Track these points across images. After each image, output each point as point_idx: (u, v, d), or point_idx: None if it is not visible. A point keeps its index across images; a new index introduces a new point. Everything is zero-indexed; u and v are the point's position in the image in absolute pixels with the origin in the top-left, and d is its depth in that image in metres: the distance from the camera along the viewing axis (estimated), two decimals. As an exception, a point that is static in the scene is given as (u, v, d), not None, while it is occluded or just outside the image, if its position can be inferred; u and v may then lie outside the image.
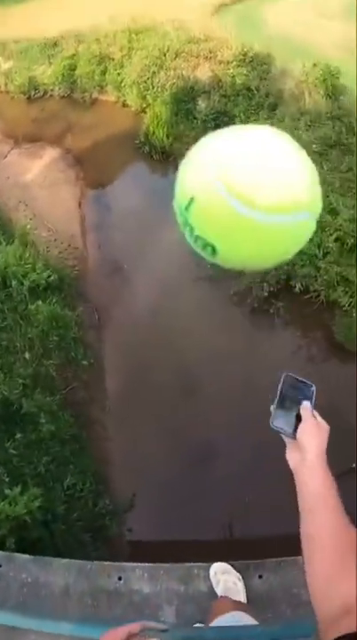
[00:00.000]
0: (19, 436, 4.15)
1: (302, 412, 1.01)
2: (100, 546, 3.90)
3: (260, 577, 2.41)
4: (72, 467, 4.31)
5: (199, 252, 0.67)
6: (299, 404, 1.03)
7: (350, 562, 0.78)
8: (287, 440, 1.02)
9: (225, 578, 2.39)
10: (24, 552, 3.18)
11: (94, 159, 7.32)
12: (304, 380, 1.09)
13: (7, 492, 3.49)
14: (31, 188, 7.32)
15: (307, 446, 0.94)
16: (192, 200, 0.64)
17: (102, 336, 5.53)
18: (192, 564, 2.45)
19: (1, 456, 3.94)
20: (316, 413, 1.02)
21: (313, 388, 1.07)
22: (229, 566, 2.47)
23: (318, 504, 0.87)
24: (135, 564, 2.43)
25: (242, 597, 2.34)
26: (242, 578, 2.42)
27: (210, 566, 2.44)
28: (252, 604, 2.28)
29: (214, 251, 0.65)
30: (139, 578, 2.39)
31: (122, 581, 2.37)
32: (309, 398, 1.06)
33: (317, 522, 0.86)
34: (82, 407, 5.09)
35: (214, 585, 2.40)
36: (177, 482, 4.50)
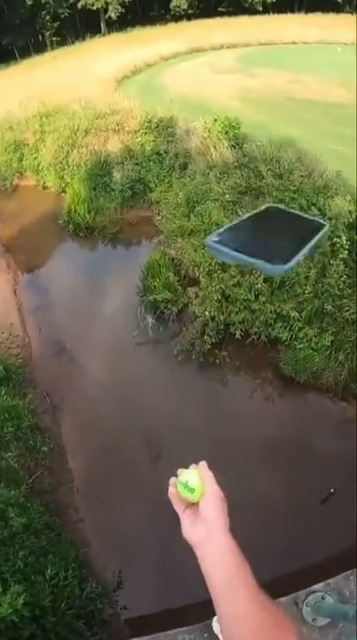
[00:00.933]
0: None
1: (202, 472, 0.94)
2: (97, 631, 3.71)
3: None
4: (51, 556, 4.09)
5: None
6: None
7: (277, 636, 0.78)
8: (181, 512, 0.95)
9: None
10: None
11: (23, 244, 7.44)
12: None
13: (-12, 594, 3.32)
14: None
15: (210, 519, 0.88)
16: None
17: (57, 419, 5.46)
18: (176, 630, 2.45)
19: (-25, 559, 3.75)
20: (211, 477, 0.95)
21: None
22: None
23: (235, 586, 0.82)
24: None
25: None
26: None
27: (195, 628, 2.39)
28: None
29: None
30: None
31: None
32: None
33: (238, 603, 0.81)
34: (50, 494, 4.94)
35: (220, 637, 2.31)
36: (158, 548, 4.40)
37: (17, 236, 7.55)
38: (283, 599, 2.44)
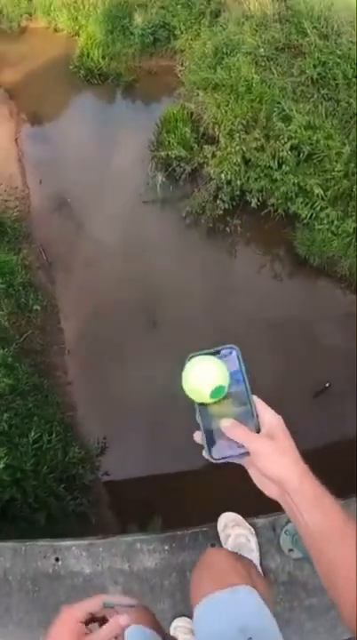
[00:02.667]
0: None
1: (258, 406, 0.76)
2: (78, 495, 3.74)
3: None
4: (36, 418, 4.04)
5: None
6: (233, 395, 0.75)
7: None
8: (244, 463, 0.77)
9: (236, 532, 2.02)
10: None
11: (28, 91, 6.74)
12: (217, 350, 0.77)
13: (-31, 456, 3.27)
14: None
15: (279, 476, 0.73)
16: None
17: (53, 277, 5.21)
18: (133, 537, 2.19)
19: None
20: (263, 404, 0.77)
21: (235, 353, 0.77)
22: (239, 517, 2.10)
23: (329, 540, 0.71)
24: (70, 542, 2.17)
25: (256, 558, 1.96)
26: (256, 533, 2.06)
27: (154, 538, 2.15)
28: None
29: None
30: (78, 557, 2.15)
31: (59, 563, 2.14)
32: (239, 376, 0.76)
33: (335, 558, 0.70)
34: (40, 355, 4.84)
35: (222, 541, 2.04)
36: (147, 417, 4.35)
37: (22, 82, 6.83)
38: (260, 520, 2.10)
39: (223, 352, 0.76)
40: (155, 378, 4.48)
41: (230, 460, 0.75)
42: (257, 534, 2.07)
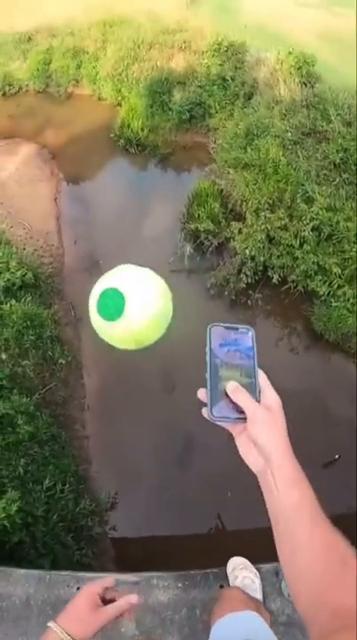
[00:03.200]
0: None
1: (261, 381, 0.81)
2: (84, 546, 3.84)
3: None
4: (51, 467, 4.22)
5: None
6: (242, 367, 0.81)
7: (342, 574, 0.70)
8: (235, 430, 0.81)
9: (243, 574, 2.25)
10: (4, 557, 3.14)
11: (70, 154, 7.22)
12: (236, 327, 0.85)
13: (-15, 497, 3.42)
14: (6, 185, 7.20)
15: (268, 446, 0.76)
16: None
17: (79, 333, 5.46)
18: (151, 573, 2.36)
19: (-22, 460, 3.86)
20: (267, 382, 0.82)
21: (251, 333, 0.84)
22: (247, 561, 2.34)
23: (300, 519, 0.74)
24: (92, 574, 2.37)
25: (259, 596, 2.20)
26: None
27: (169, 576, 2.33)
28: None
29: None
30: None
31: None
32: (250, 353, 0.83)
33: (301, 537, 0.73)
34: (60, 406, 5.03)
35: (231, 581, 2.28)
36: (159, 478, 4.47)
37: (65, 145, 7.32)
38: (265, 566, 2.32)
39: (241, 329, 0.84)
40: (169, 441, 4.64)
41: (227, 422, 0.79)
42: (262, 578, 2.28)
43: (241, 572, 2.27)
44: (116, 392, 5.06)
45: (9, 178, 7.38)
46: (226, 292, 5.38)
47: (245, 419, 0.78)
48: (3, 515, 3.30)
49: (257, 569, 2.30)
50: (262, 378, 0.82)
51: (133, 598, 1.04)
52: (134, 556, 4.07)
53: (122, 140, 7.15)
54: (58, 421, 4.86)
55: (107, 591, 1.06)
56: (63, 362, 5.20)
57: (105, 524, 4.28)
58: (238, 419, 0.78)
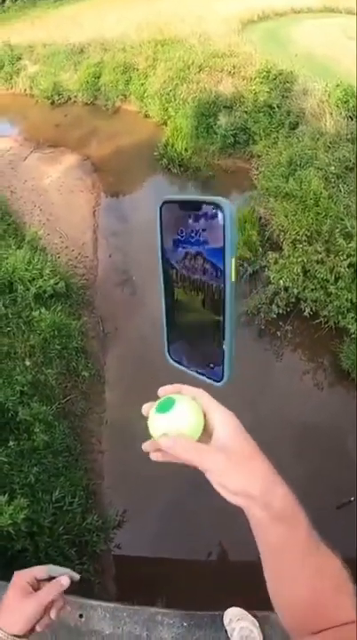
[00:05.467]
0: (11, 443, 4.05)
1: (203, 401, 0.65)
2: (86, 561, 3.80)
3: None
4: (63, 479, 4.19)
5: None
6: (205, 286, 0.53)
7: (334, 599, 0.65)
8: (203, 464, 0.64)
9: (241, 625, 2.19)
10: (4, 564, 3.12)
11: (112, 168, 7.33)
12: (198, 201, 0.52)
13: (-6, 500, 3.42)
14: (48, 192, 7.34)
15: (242, 490, 0.62)
16: None
17: (106, 347, 5.48)
18: (157, 609, 2.31)
19: (-9, 463, 3.87)
20: (212, 402, 0.66)
21: (222, 215, 0.50)
22: (244, 612, 2.27)
23: (288, 558, 0.65)
24: (97, 603, 2.32)
25: None
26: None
27: (176, 614, 2.28)
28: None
29: None
30: (101, 618, 2.27)
31: (83, 619, 2.26)
32: (219, 256, 0.51)
33: (294, 577, 0.66)
34: (79, 418, 5.02)
35: (229, 633, 2.20)
36: (170, 502, 4.41)
37: (108, 158, 7.45)
38: (274, 614, 2.28)
39: (205, 207, 0.52)
40: (186, 466, 4.58)
41: (184, 368, 0.64)
42: (271, 627, 2.20)
43: (238, 623, 2.21)
44: (137, 410, 4.97)
45: (50, 185, 7.53)
46: (256, 321, 5.34)
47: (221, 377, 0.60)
48: (10, 521, 3.29)
49: (265, 617, 2.23)
50: (205, 398, 0.66)
51: (64, 579, 0.98)
52: (135, 576, 4.00)
53: (165, 159, 7.23)
54: (74, 433, 4.85)
55: (40, 584, 0.98)
56: (86, 374, 5.21)
57: (110, 542, 4.23)
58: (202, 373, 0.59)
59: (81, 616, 2.27)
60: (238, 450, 0.63)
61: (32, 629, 0.93)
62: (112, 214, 6.78)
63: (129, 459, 4.76)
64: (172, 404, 0.62)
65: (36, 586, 0.97)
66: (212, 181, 7.07)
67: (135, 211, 6.81)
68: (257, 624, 2.21)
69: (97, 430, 5.10)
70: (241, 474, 0.62)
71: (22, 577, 0.98)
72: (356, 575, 0.69)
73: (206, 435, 0.65)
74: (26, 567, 2.83)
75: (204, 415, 0.63)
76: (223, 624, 2.24)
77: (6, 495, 3.41)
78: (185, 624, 2.24)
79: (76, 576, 1.01)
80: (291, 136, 7.10)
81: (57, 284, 5.53)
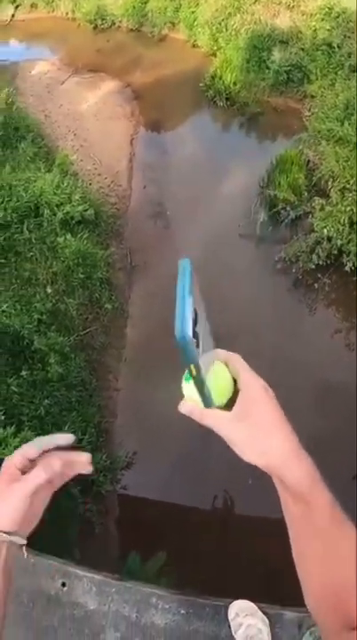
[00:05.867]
0: (24, 373, 3.87)
1: (234, 364, 0.63)
2: (90, 500, 3.70)
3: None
4: (75, 414, 4.03)
5: None
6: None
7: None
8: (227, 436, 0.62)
9: (249, 622, 1.94)
10: None
11: (154, 97, 6.90)
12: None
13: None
14: (84, 118, 6.97)
15: (263, 465, 0.61)
16: None
17: (132, 281, 5.25)
18: (152, 590, 2.05)
19: (1, 392, 3.66)
20: (244, 365, 0.63)
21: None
22: (255, 607, 2.00)
23: (310, 534, 0.63)
24: (84, 573, 2.07)
25: None
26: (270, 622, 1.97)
27: (173, 598, 2.03)
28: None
29: None
30: (86, 591, 2.03)
31: (65, 588, 2.04)
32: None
33: (313, 554, 0.63)
34: (97, 352, 4.85)
35: (233, 629, 1.95)
36: (181, 448, 4.26)
37: (151, 87, 7.00)
38: (287, 613, 1.97)
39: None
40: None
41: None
42: (282, 627, 1.95)
43: (245, 619, 1.96)
44: (158, 350, 4.83)
45: (87, 110, 7.14)
46: (294, 270, 5.04)
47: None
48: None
49: (278, 614, 1.97)
50: (237, 363, 0.64)
51: (56, 461, 0.76)
52: (139, 520, 3.91)
53: (211, 91, 6.78)
54: (91, 367, 4.69)
55: (34, 464, 0.75)
56: (109, 307, 5.02)
57: (116, 483, 4.13)
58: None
59: (63, 585, 2.06)
60: (259, 420, 0.61)
61: (30, 524, 0.74)
62: (150, 145, 6.41)
63: (145, 399, 4.63)
64: None
65: (29, 468, 0.75)
66: (260, 118, 6.61)
67: (175, 143, 6.44)
68: (268, 622, 1.96)
69: (114, 367, 4.94)
70: (258, 447, 0.61)
71: (9, 461, 0.75)
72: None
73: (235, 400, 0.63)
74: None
75: (235, 381, 0.63)
76: (227, 618, 1.99)
77: (13, 427, 3.22)
78: (182, 611, 2.00)
79: (70, 436, 0.81)
80: (350, 79, 6.54)
81: (86, 210, 5.27)
